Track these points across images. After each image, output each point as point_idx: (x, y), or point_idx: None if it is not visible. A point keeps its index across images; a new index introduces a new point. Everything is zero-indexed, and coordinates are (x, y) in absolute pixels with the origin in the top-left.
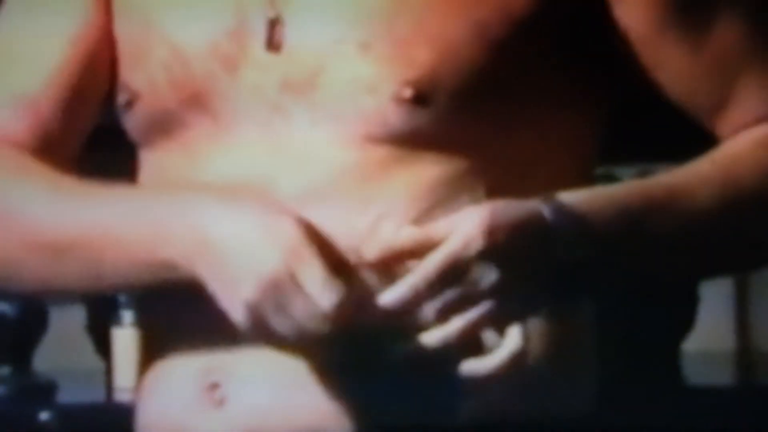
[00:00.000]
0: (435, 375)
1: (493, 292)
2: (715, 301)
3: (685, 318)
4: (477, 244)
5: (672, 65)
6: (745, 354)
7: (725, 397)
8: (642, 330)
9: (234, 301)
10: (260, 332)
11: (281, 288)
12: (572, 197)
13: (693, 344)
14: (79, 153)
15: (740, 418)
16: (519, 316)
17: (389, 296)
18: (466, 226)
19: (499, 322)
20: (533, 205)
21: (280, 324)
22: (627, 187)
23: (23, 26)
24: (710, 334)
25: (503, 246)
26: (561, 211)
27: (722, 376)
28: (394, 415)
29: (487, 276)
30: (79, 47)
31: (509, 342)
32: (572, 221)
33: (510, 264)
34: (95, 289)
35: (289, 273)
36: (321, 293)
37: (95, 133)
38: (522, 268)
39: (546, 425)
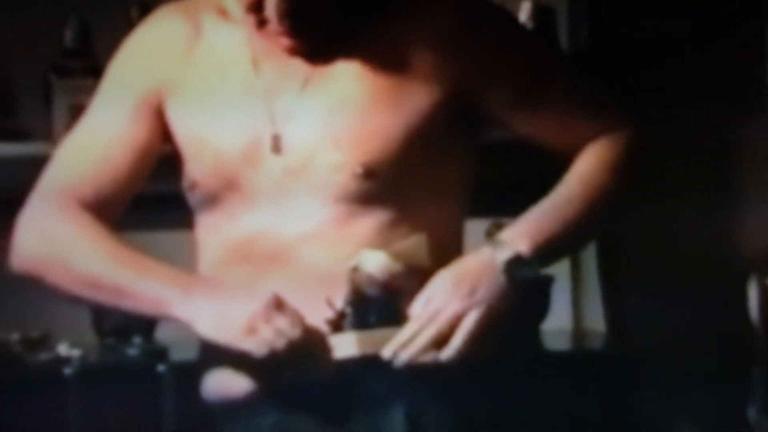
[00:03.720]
0: None
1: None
2: (559, 299)
3: (540, 309)
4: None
5: (527, 120)
6: (578, 331)
7: (566, 358)
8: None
9: (233, 327)
10: (255, 340)
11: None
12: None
13: (547, 325)
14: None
15: (574, 372)
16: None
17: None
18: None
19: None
20: (479, 252)
21: (276, 328)
22: (539, 208)
23: (96, 129)
24: (557, 319)
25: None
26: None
27: (564, 345)
28: None
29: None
30: (127, 155)
31: None
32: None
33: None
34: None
35: (271, 310)
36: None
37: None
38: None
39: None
